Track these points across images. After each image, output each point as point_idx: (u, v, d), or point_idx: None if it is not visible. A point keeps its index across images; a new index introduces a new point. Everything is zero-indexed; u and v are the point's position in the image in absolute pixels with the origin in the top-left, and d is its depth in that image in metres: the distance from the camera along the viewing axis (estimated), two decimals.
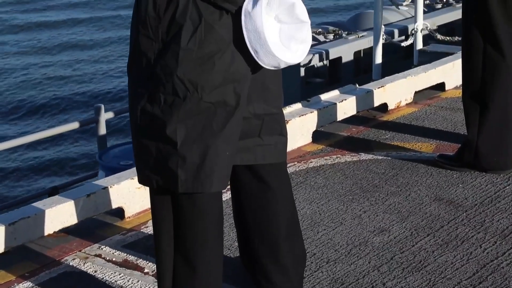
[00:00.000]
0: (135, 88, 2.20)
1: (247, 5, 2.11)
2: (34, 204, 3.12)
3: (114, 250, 3.02)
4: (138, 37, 2.16)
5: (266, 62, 2.16)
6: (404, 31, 7.24)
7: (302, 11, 2.18)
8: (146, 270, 2.84)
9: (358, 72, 7.13)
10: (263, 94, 2.29)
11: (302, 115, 4.15)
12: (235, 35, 2.13)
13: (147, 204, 2.67)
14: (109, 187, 3.26)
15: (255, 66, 2.18)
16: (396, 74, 4.85)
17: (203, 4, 2.09)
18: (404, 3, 6.06)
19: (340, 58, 6.95)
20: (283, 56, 2.16)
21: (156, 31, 2.12)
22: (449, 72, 4.98)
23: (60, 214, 3.07)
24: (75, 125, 5.08)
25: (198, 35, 2.09)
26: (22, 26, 17.87)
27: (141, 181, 2.26)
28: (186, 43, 2.09)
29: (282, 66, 2.20)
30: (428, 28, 5.95)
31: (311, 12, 17.38)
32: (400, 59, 7.16)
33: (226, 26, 2.12)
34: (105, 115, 5.11)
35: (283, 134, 2.39)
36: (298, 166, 3.83)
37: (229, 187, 2.39)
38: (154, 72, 2.13)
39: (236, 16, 2.12)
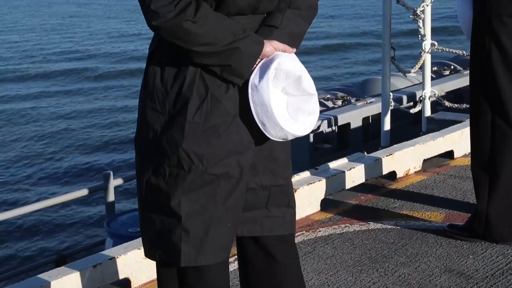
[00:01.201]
0: (141, 160, 2.20)
1: (253, 79, 2.12)
2: (40, 275, 3.09)
3: None
4: (145, 110, 2.17)
5: (273, 134, 2.16)
6: (412, 98, 7.28)
7: (309, 84, 2.19)
8: None
9: (367, 138, 7.14)
10: (270, 165, 2.29)
11: (311, 183, 4.14)
12: (241, 107, 2.15)
13: (154, 275, 2.64)
14: (115, 257, 3.23)
15: (261, 137, 2.18)
16: (405, 142, 4.85)
17: (210, 77, 2.11)
18: (412, 71, 6.10)
19: (348, 124, 6.97)
20: (290, 128, 2.16)
21: (163, 104, 2.14)
22: (458, 140, 4.98)
23: (66, 286, 3.04)
24: (83, 192, 5.09)
25: (204, 108, 2.11)
26: (27, 95, 18.16)
27: (146, 254, 2.24)
28: (192, 116, 2.10)
29: (290, 138, 2.21)
30: (436, 95, 5.97)
31: (320, 78, 17.60)
32: (408, 125, 7.18)
33: (232, 99, 2.13)
34: (114, 182, 5.11)
35: (291, 205, 2.37)
36: (306, 235, 3.80)
37: (236, 256, 2.36)
38: (160, 145, 2.14)
39: (243, 89, 2.14)
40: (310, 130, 2.25)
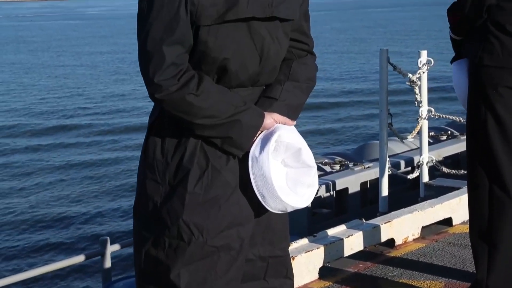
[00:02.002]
0: (140, 231, 2.20)
1: (254, 151, 2.14)
2: None
3: None
4: (145, 180, 2.18)
5: (273, 206, 2.17)
6: (410, 163, 7.30)
7: (308, 156, 2.21)
8: None
9: (365, 203, 7.13)
10: (268, 236, 2.29)
11: (309, 251, 4.12)
12: (241, 178, 2.16)
13: None
14: None
15: (260, 209, 2.19)
16: (403, 209, 4.84)
17: (211, 149, 2.12)
18: (409, 137, 6.14)
19: (346, 189, 6.98)
20: (290, 200, 2.17)
21: (163, 175, 2.15)
22: (456, 208, 4.98)
23: None
24: (80, 258, 5.04)
25: (205, 179, 2.12)
26: (20, 149, 18.22)
27: None
28: (193, 188, 2.11)
29: (289, 210, 2.21)
30: (434, 161, 6.00)
31: (318, 142, 17.68)
32: (406, 190, 7.18)
33: (232, 170, 2.15)
34: (111, 248, 5.07)
35: (289, 276, 2.37)
36: None
37: None
38: (160, 216, 2.14)
39: (243, 161, 2.15)
40: (309, 202, 2.26)
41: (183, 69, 2.04)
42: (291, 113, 2.26)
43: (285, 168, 2.21)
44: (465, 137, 3.58)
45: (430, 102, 6.05)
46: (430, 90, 6.33)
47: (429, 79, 6.02)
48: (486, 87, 3.31)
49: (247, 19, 2.10)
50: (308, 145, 2.24)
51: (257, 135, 2.15)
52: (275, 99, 2.23)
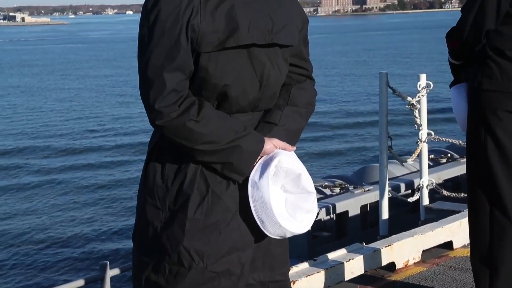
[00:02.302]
0: (140, 257, 2.19)
1: (254, 176, 2.14)
2: None
3: None
4: (145, 206, 2.18)
5: (272, 232, 2.17)
6: (410, 185, 7.30)
7: (308, 182, 2.21)
8: None
9: (365, 226, 7.12)
10: (268, 261, 2.28)
11: (309, 275, 4.10)
12: (241, 203, 2.16)
13: None
14: None
15: (260, 233, 2.18)
16: (403, 233, 4.83)
17: (211, 174, 2.12)
18: (409, 160, 6.14)
19: (347, 212, 6.96)
20: (289, 226, 2.17)
21: (163, 201, 2.14)
22: (457, 231, 4.97)
23: None
24: (79, 283, 5.01)
25: (205, 205, 2.12)
26: (26, 171, 18.22)
27: None
28: (193, 213, 2.11)
29: (288, 235, 2.21)
30: (434, 184, 5.99)
31: (317, 163, 17.69)
32: (407, 213, 7.18)
33: (232, 195, 2.15)
34: (110, 272, 5.05)
35: None
36: None
37: None
38: (160, 242, 2.13)
39: (243, 186, 2.16)
40: (308, 228, 2.25)
41: (183, 95, 2.05)
42: (291, 138, 2.26)
43: (285, 193, 2.21)
44: (465, 159, 3.57)
45: (430, 123, 6.06)
46: (430, 111, 6.35)
47: (429, 101, 6.04)
48: (486, 111, 3.32)
49: (248, 46, 2.11)
50: (308, 166, 2.24)
51: (257, 160, 2.15)
52: (274, 124, 2.24)
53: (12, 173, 18.60)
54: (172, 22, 2.02)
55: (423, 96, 5.77)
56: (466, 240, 4.54)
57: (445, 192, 6.08)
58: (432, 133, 5.89)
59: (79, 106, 31.23)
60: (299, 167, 2.20)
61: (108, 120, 26.93)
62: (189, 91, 2.08)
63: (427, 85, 5.75)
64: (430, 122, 6.09)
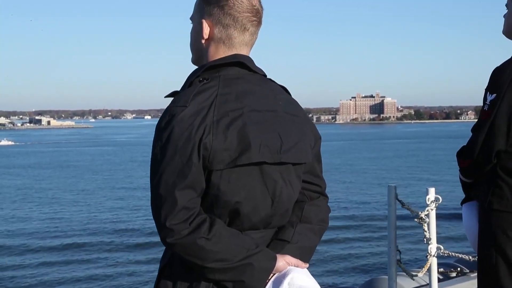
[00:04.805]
0: None
1: None
2: None
3: None
4: None
5: None
6: None
7: None
8: None
9: None
10: None
11: None
12: None
13: None
14: None
15: None
16: None
17: None
18: (419, 275, 6.06)
19: None
20: None
21: None
22: None
23: None
24: None
25: None
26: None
27: None
28: None
29: None
30: None
31: (323, 270, 17.46)
32: None
33: None
34: None
35: None
36: None
37: None
38: None
39: None
40: None
41: (195, 212, 2.05)
42: (304, 255, 2.25)
43: None
44: (475, 274, 3.54)
45: (439, 230, 6.01)
46: (439, 215, 6.32)
47: (438, 214, 6.02)
48: (496, 231, 3.31)
49: (259, 163, 2.13)
50: (315, 274, 2.23)
51: (269, 278, 2.14)
52: (287, 242, 2.23)
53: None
54: (184, 141, 2.05)
55: (432, 210, 5.76)
56: None
57: None
58: (442, 247, 5.83)
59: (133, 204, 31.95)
60: (312, 284, 2.18)
61: None
62: (201, 208, 2.09)
63: (436, 199, 5.75)
64: (439, 228, 6.05)
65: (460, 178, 3.57)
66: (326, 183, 2.42)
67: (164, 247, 2.20)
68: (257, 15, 2.24)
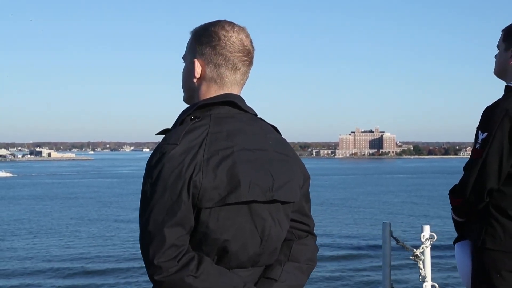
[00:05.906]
0: None
1: None
2: None
3: None
4: None
5: None
6: None
7: None
8: None
9: None
10: None
11: None
12: None
13: None
14: None
15: None
16: None
17: None
18: None
19: None
20: None
21: None
22: None
23: None
24: None
25: None
26: None
27: None
28: None
29: None
30: None
31: None
32: None
33: None
34: None
35: None
36: None
37: None
38: None
39: None
40: None
41: (183, 250, 2.04)
42: None
43: None
44: None
45: (434, 266, 5.97)
46: (434, 246, 6.29)
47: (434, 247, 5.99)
48: (490, 270, 3.28)
49: (248, 202, 2.13)
50: None
51: None
52: (275, 280, 2.22)
53: None
54: (174, 179, 2.05)
55: (427, 247, 5.73)
56: None
57: None
58: (437, 285, 5.79)
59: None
60: None
61: None
62: (189, 246, 2.08)
63: (431, 237, 5.73)
64: (433, 265, 6.01)
65: (452, 217, 3.55)
66: (314, 222, 2.41)
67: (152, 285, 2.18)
68: (248, 55, 2.25)
